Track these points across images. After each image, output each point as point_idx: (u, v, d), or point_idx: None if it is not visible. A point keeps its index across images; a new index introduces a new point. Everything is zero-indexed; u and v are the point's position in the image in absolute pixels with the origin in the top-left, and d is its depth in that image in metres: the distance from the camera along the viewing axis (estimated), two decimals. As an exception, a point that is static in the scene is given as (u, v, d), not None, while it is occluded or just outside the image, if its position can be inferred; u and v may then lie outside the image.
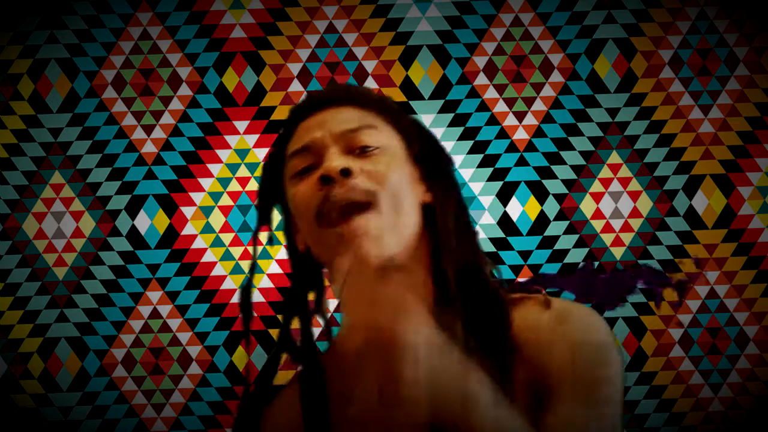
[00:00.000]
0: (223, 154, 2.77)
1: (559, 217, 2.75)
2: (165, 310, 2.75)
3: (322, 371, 1.31)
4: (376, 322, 1.14)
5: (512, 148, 2.76)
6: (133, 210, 2.77)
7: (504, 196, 2.75)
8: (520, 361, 1.22)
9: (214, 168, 2.78)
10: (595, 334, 1.23)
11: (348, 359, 1.20)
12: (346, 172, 1.24)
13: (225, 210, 2.77)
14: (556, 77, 2.76)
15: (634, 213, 2.75)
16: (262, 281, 2.75)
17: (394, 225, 1.23)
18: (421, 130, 1.36)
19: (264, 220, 1.38)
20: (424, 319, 1.14)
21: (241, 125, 2.77)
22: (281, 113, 2.78)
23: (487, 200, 2.74)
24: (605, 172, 2.76)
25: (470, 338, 1.23)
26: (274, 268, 2.75)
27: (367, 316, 1.15)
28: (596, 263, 2.51)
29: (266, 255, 2.76)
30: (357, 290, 1.18)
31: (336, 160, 1.25)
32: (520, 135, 2.76)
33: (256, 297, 2.75)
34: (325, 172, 1.24)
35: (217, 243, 2.76)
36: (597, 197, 2.75)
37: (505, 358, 1.22)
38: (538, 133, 2.76)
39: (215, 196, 2.77)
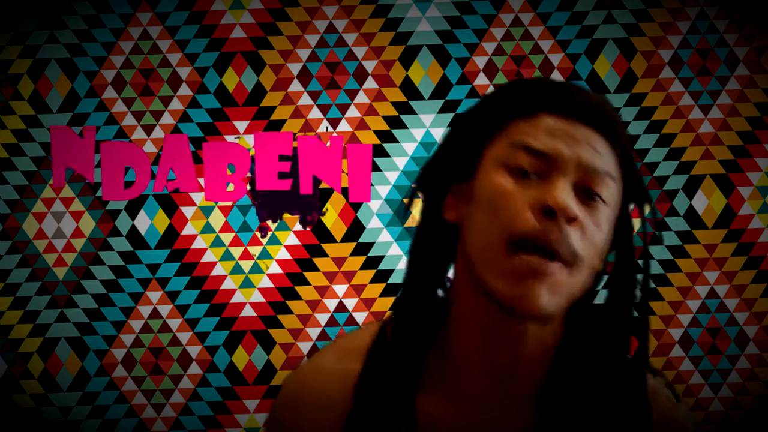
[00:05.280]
0: (223, 154, 2.77)
1: (559, 217, 2.74)
2: (165, 310, 2.75)
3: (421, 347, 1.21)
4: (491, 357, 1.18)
5: (512, 148, 2.75)
6: (133, 210, 2.77)
7: (504, 196, 2.75)
8: None
9: (214, 168, 2.78)
10: None
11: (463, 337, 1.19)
12: (571, 220, 1.14)
13: (225, 210, 2.77)
14: (556, 77, 2.76)
15: (634, 213, 2.75)
16: (262, 281, 2.75)
17: (573, 289, 1.14)
18: (640, 188, 1.27)
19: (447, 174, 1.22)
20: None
21: (241, 125, 2.77)
22: (281, 113, 2.78)
23: (487, 200, 2.74)
24: (605, 172, 2.75)
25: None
26: (275, 269, 2.75)
27: (484, 351, 1.18)
28: None
29: (266, 255, 2.76)
30: (487, 325, 1.17)
31: (568, 198, 1.13)
32: (520, 135, 2.75)
33: (256, 297, 2.75)
34: (554, 206, 1.12)
35: (217, 243, 2.76)
36: (597, 197, 2.75)
37: None
38: (538, 133, 2.76)
39: (215, 196, 2.77)
